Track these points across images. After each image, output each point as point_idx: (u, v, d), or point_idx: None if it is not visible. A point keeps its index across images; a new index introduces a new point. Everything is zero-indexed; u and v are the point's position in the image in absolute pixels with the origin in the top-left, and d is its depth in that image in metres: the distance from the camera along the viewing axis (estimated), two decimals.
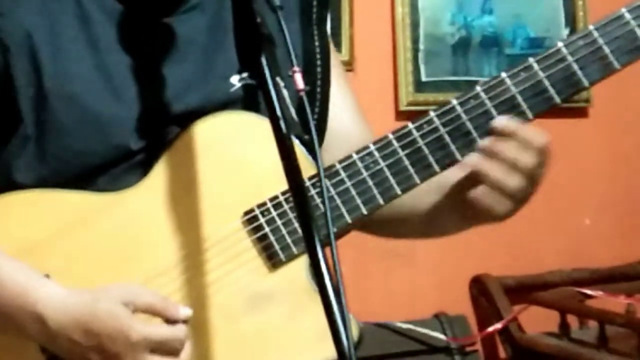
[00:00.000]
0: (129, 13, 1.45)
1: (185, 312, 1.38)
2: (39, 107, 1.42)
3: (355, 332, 1.39)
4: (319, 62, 1.56)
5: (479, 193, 1.44)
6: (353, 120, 1.62)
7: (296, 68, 1.26)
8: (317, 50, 1.56)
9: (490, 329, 3.08)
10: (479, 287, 3.19)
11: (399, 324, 2.99)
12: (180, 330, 1.37)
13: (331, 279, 1.15)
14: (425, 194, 1.51)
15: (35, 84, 1.42)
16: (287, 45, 1.26)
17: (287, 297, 1.44)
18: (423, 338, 2.99)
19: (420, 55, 3.16)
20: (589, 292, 3.13)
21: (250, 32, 1.25)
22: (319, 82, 1.56)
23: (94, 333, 1.33)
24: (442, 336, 3.00)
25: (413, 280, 3.20)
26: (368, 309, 3.02)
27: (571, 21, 3.31)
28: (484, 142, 1.43)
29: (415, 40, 3.15)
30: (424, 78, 3.16)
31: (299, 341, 1.43)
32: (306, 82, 1.29)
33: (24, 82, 1.42)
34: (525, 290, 3.17)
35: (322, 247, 1.16)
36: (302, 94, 1.25)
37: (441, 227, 1.57)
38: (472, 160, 1.43)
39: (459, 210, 1.50)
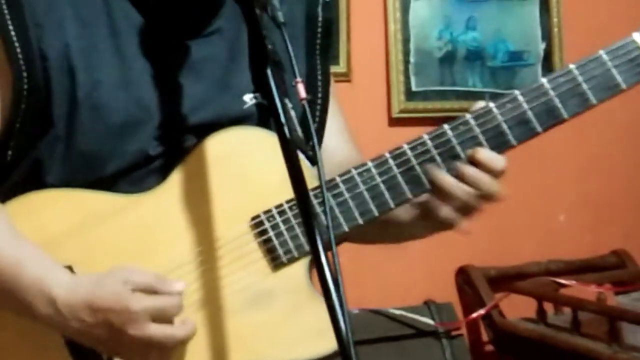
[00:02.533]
0: (154, 32, 1.43)
1: (179, 285, 1.37)
2: (69, 114, 1.40)
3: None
4: (320, 87, 1.56)
5: (444, 208, 1.43)
6: (339, 140, 1.60)
7: (299, 79, 1.24)
8: (319, 75, 1.56)
9: (474, 315, 3.09)
10: (464, 277, 3.21)
11: (392, 310, 3.01)
12: (175, 299, 1.36)
13: (331, 272, 1.14)
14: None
15: (69, 92, 1.40)
16: (291, 60, 1.24)
17: (287, 295, 1.43)
18: (413, 323, 3.01)
19: (411, 67, 3.15)
20: (563, 281, 3.12)
21: (262, 57, 1.24)
22: (319, 106, 1.55)
23: (100, 310, 1.33)
24: (430, 321, 3.01)
25: (404, 271, 3.19)
26: (364, 296, 3.02)
27: (547, 36, 3.29)
28: (460, 168, 1.42)
29: (406, 54, 3.15)
30: (414, 88, 3.16)
31: (297, 336, 1.42)
32: (308, 102, 1.27)
33: (59, 90, 1.40)
34: (505, 280, 3.18)
35: (324, 247, 1.15)
36: (304, 102, 1.24)
37: (402, 234, 1.56)
38: (447, 182, 1.41)
39: (422, 220, 1.49)
